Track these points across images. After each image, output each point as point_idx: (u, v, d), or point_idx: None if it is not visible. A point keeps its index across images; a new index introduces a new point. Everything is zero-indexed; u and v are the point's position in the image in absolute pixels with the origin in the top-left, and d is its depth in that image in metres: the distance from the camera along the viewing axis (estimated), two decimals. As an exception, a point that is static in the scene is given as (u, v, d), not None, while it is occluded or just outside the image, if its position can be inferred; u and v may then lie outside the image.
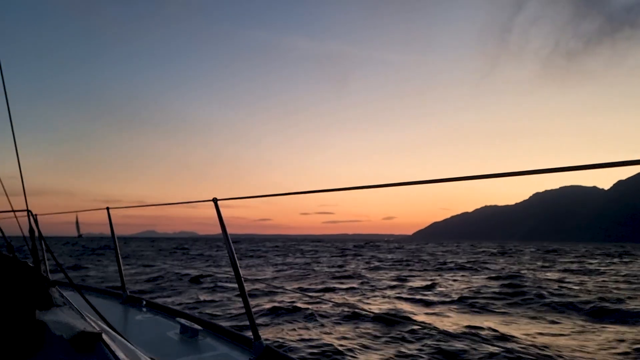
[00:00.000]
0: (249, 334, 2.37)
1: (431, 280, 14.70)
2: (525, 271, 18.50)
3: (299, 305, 8.47)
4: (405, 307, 9.16)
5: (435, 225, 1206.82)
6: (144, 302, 3.49)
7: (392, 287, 12.61)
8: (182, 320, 2.73)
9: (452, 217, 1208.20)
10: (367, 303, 9.65)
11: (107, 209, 3.54)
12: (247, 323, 2.40)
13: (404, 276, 16.18)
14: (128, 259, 24.76)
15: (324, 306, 8.51)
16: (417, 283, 13.82)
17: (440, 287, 12.84)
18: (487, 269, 20.20)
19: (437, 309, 9.01)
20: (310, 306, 8.35)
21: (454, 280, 14.83)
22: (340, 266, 21.08)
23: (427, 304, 9.68)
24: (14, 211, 2.38)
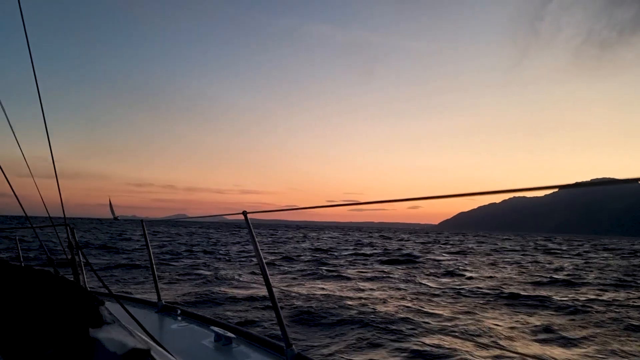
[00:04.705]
0: (281, 341, 2.42)
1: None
2: None
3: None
4: None
5: (462, 216, 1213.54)
6: (179, 311, 3.54)
7: None
8: (216, 329, 2.82)
9: (479, 208, 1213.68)
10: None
11: (142, 221, 3.66)
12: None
13: None
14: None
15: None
16: None
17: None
18: None
19: None
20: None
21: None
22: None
23: None
24: (53, 225, 2.56)
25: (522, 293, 10.55)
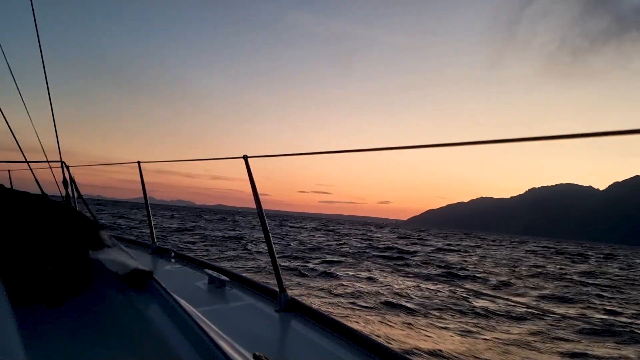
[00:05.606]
0: (276, 286, 2.43)
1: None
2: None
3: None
4: None
5: (430, 213, 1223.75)
6: (173, 254, 3.56)
7: None
8: (210, 272, 2.81)
9: (448, 206, 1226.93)
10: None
11: (138, 162, 3.63)
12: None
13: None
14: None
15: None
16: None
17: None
18: None
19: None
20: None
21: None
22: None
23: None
24: (48, 162, 2.54)
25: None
